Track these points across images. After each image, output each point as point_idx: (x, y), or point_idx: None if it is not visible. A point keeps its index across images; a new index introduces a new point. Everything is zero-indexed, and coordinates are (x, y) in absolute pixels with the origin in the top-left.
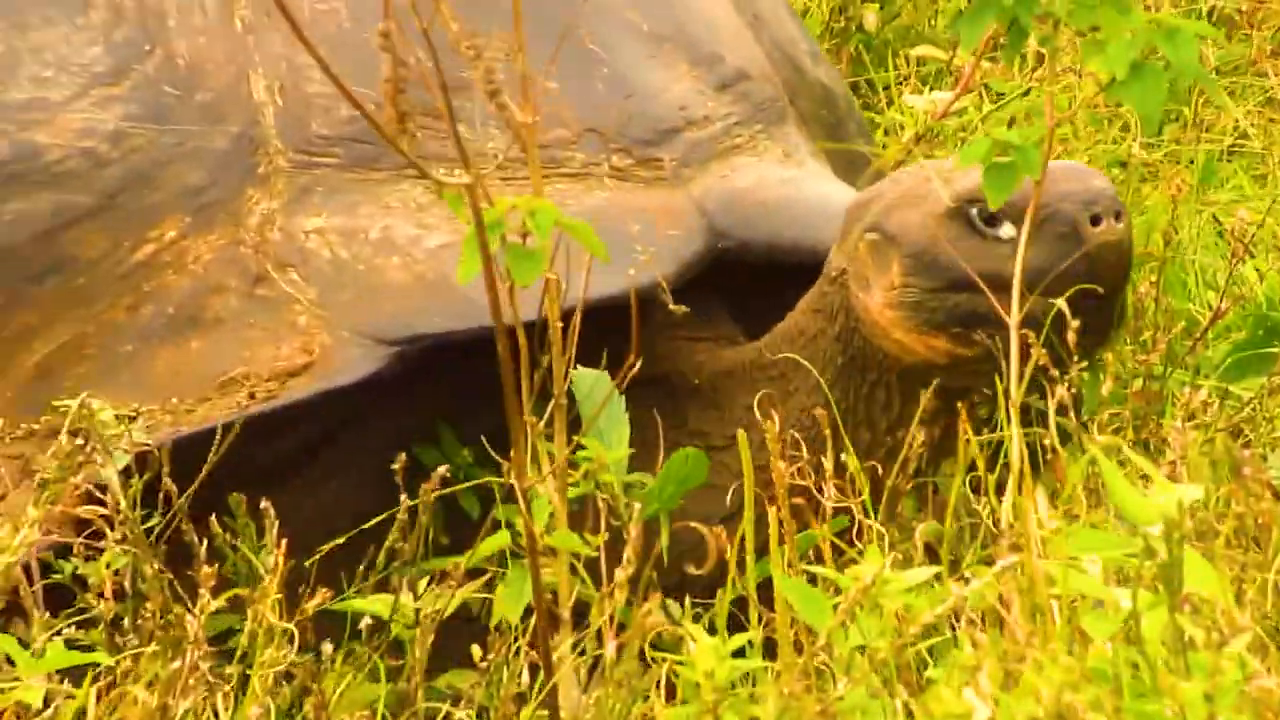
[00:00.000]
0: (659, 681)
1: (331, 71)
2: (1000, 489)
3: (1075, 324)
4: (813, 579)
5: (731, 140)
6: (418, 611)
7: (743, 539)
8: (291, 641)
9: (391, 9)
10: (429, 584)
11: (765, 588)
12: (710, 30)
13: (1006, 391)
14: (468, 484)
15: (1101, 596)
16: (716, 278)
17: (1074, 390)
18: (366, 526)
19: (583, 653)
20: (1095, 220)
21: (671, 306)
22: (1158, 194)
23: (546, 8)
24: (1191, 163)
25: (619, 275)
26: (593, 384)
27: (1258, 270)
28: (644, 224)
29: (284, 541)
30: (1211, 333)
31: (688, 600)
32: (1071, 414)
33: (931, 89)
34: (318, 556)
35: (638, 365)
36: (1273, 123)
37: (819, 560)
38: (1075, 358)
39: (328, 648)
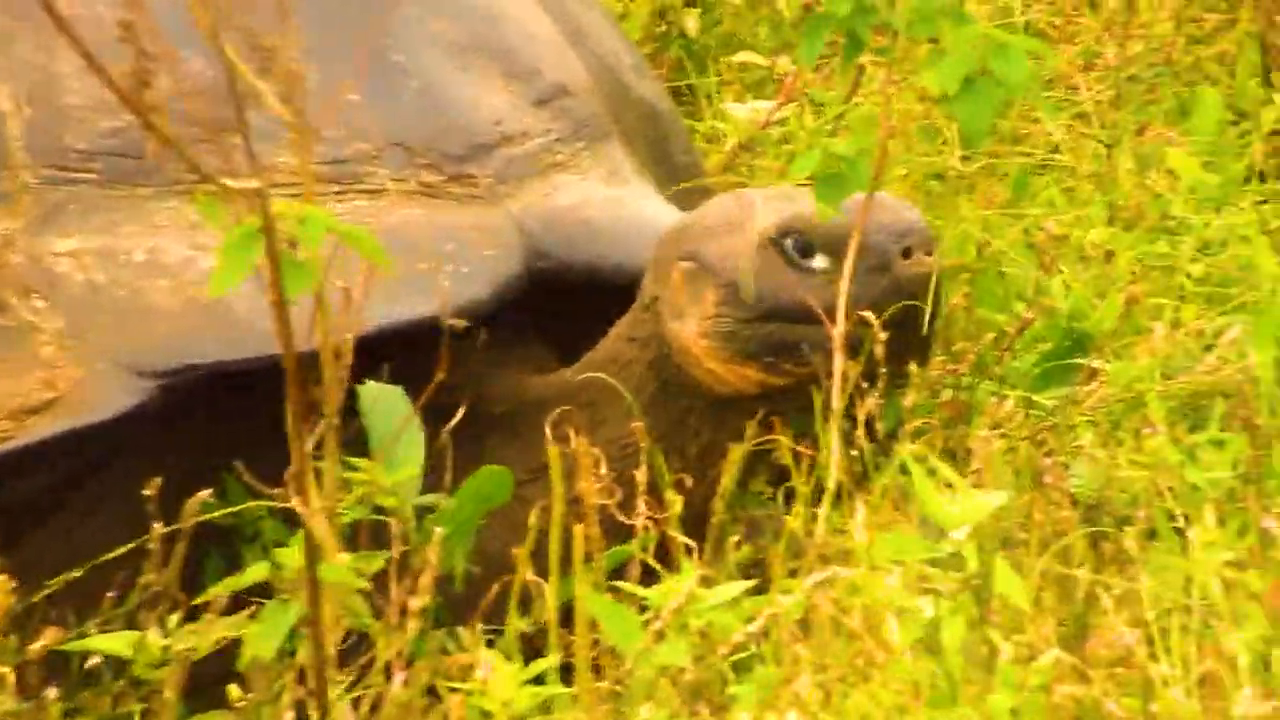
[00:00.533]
0: (448, 715)
1: (92, 58)
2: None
3: (883, 337)
4: (619, 597)
5: (552, 157)
6: (166, 649)
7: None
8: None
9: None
10: (181, 620)
11: (568, 612)
12: (527, 44)
13: (824, 409)
14: (226, 510)
15: (904, 605)
16: (536, 299)
17: (881, 403)
18: (108, 557)
19: (367, 687)
20: (906, 253)
21: (480, 333)
22: (971, 205)
23: (346, 17)
24: (1006, 175)
25: (428, 296)
26: (376, 399)
27: (1065, 283)
28: (458, 243)
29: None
30: (1019, 344)
31: (479, 627)
32: (878, 427)
33: (754, 97)
34: (46, 593)
35: (442, 385)
36: (1083, 137)
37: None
38: (883, 377)
39: (51, 693)
